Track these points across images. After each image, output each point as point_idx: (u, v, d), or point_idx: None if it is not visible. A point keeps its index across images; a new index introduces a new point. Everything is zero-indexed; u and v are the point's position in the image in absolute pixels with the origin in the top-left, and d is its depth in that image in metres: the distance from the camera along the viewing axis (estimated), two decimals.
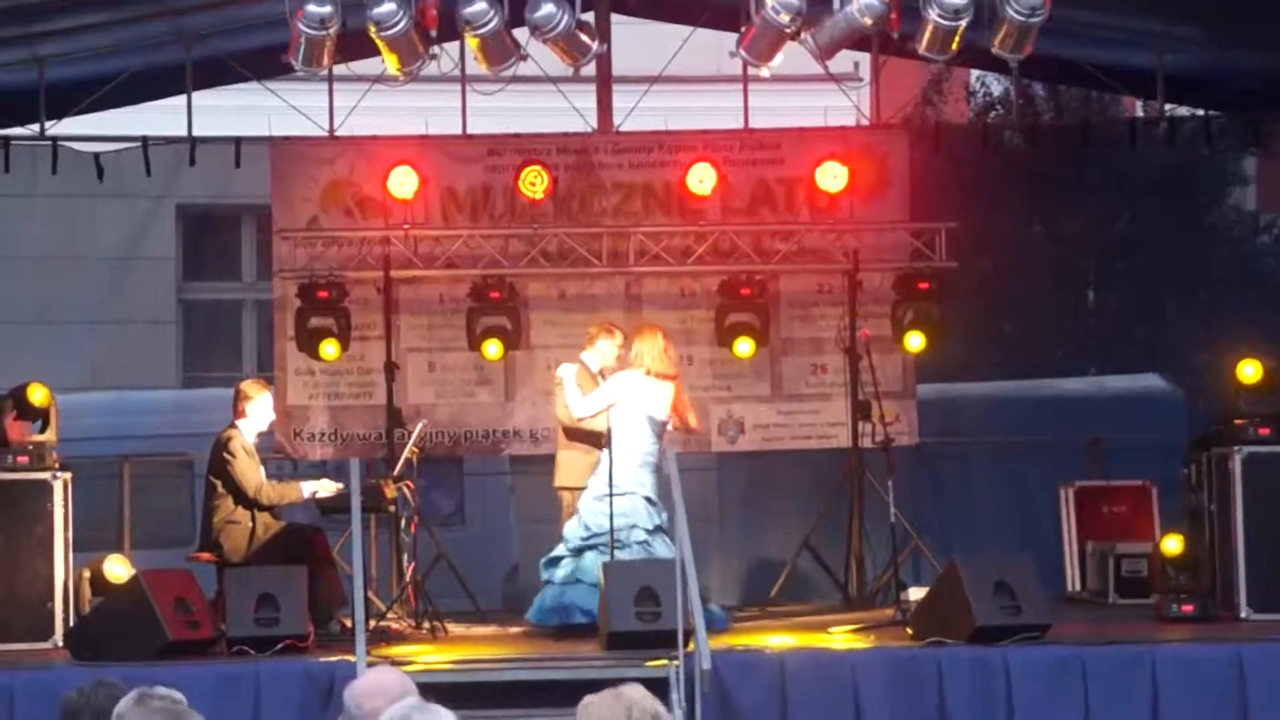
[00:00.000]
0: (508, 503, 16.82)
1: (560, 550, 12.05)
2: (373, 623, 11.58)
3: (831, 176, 14.03)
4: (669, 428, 12.13)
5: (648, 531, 11.79)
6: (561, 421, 12.65)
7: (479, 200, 14.47)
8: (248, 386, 12.44)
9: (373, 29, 11.31)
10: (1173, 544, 12.44)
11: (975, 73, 19.71)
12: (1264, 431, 12.18)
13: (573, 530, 12.02)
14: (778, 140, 14.59)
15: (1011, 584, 10.68)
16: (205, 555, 12.08)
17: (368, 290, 14.21)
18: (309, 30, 11.30)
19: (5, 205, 18.84)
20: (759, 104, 14.67)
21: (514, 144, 14.46)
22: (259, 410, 12.26)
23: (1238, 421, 12.28)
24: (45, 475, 11.93)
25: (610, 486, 11.69)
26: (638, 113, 14.57)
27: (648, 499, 11.90)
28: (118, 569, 12.42)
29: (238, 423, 12.20)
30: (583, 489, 12.17)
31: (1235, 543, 11.96)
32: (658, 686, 9.62)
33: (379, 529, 13.54)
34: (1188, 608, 11.95)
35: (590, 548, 11.84)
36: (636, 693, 5.34)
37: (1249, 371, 12.44)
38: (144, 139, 14.36)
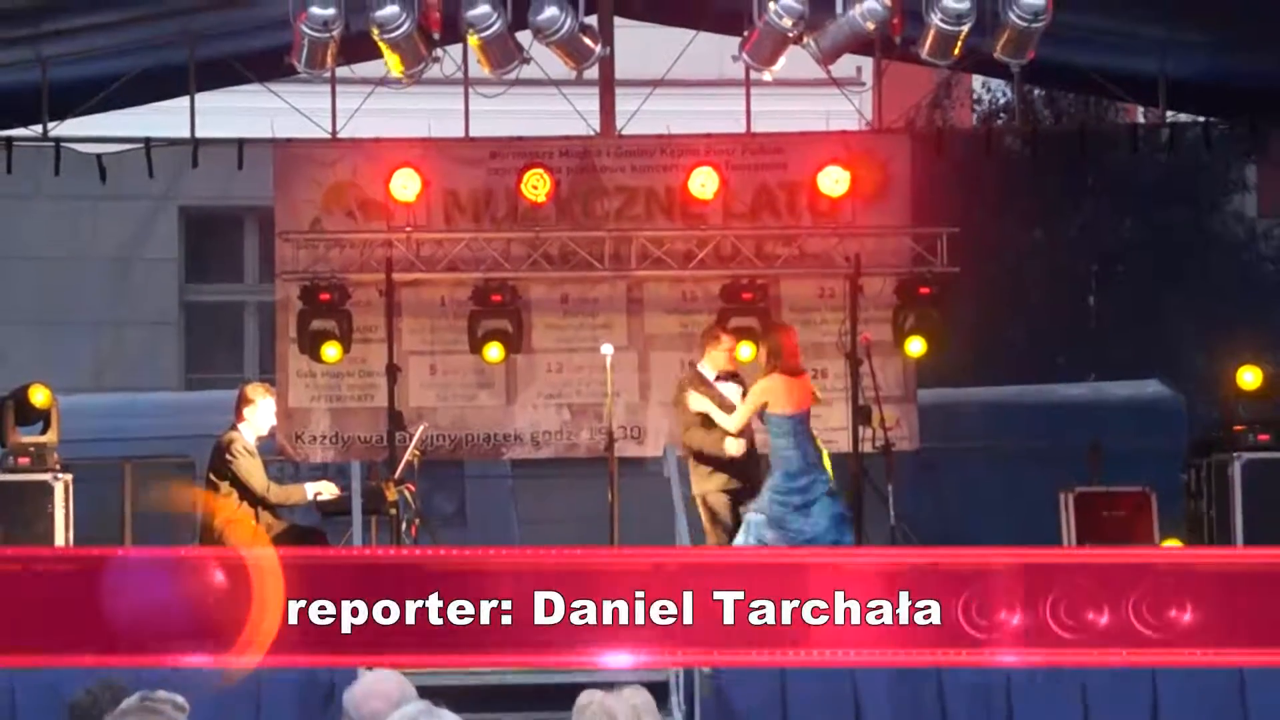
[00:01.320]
0: (509, 505, 16.84)
1: None
2: None
3: (833, 181, 14.06)
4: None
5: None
6: (690, 446, 12.56)
7: (481, 203, 14.47)
8: (250, 390, 12.44)
9: (376, 31, 11.32)
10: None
11: (981, 78, 19.72)
12: (1263, 438, 12.22)
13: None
14: (780, 144, 14.60)
15: None
16: None
17: (369, 293, 14.22)
18: (312, 32, 11.31)
19: (8, 206, 18.86)
20: (761, 108, 14.69)
21: (516, 147, 14.47)
22: (260, 414, 12.26)
23: (1237, 428, 12.31)
24: (46, 476, 11.97)
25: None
26: (640, 116, 14.58)
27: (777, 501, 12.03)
28: None
29: (239, 425, 12.21)
30: (723, 491, 12.33)
31: None
32: (658, 691, 9.65)
33: (379, 532, 13.55)
34: None
35: None
36: (636, 696, 5.37)
37: (1249, 378, 12.47)
38: (147, 140, 14.37)
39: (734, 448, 12.28)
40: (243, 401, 12.27)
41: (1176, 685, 10.21)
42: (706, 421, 12.40)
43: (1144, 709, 10.19)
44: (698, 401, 12.45)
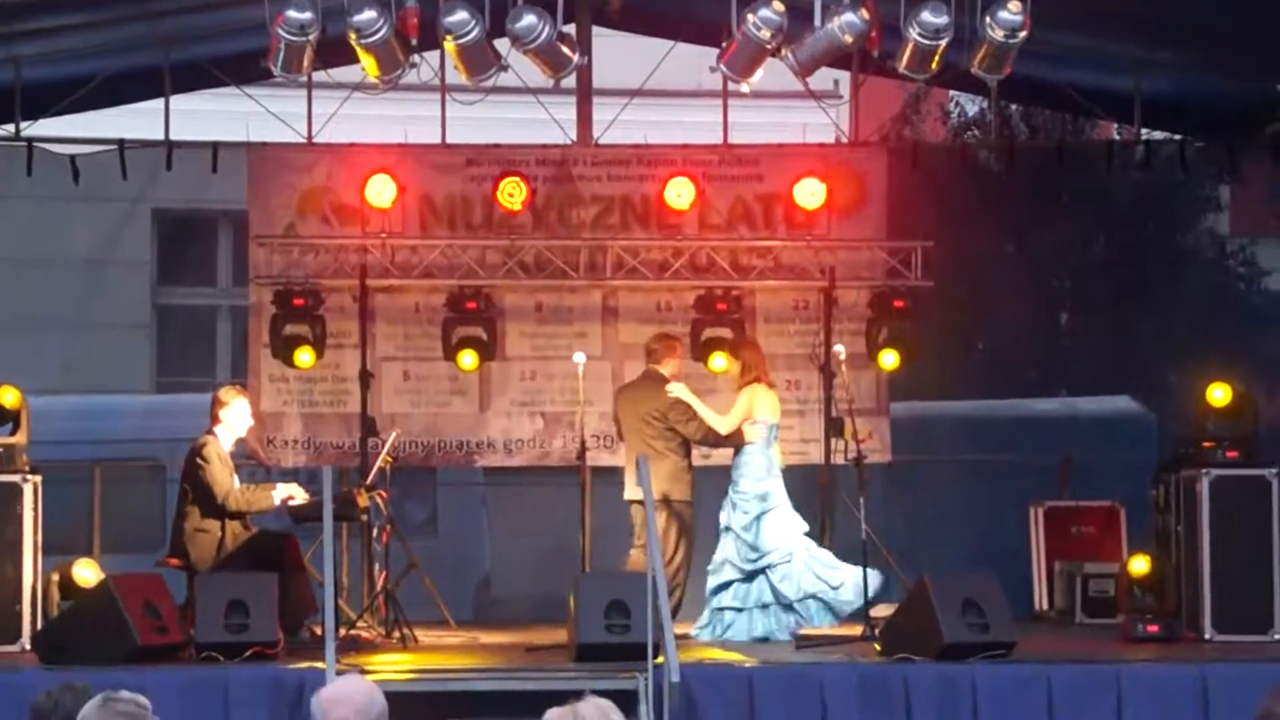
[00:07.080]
0: (480, 513, 16.83)
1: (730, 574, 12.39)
2: (343, 631, 11.56)
3: (809, 193, 14.11)
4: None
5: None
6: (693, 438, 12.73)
7: (457, 210, 14.47)
8: (223, 393, 12.37)
9: (353, 36, 11.30)
10: (1139, 564, 12.51)
11: (951, 93, 19.78)
12: (1232, 454, 12.24)
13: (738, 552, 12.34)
14: (757, 156, 14.62)
15: (979, 601, 10.71)
16: (174, 561, 12.02)
17: (344, 298, 14.21)
18: (289, 36, 11.28)
19: None
20: (738, 119, 14.71)
21: (493, 154, 14.47)
22: (235, 416, 12.18)
23: (1206, 444, 12.34)
24: (15, 478, 11.89)
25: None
26: (617, 125, 14.60)
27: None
28: (87, 573, 12.39)
29: (215, 429, 12.14)
30: (669, 500, 12.56)
31: (1201, 564, 12.02)
32: (626, 699, 9.65)
33: (350, 538, 13.54)
34: (1153, 628, 12.01)
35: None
36: (596, 708, 5.36)
37: (1218, 395, 12.50)
38: (120, 142, 14.33)
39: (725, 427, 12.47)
40: (216, 405, 12.21)
41: (1140, 694, 10.23)
42: (689, 412, 12.56)
43: (1109, 709, 10.20)
44: (684, 391, 12.56)
